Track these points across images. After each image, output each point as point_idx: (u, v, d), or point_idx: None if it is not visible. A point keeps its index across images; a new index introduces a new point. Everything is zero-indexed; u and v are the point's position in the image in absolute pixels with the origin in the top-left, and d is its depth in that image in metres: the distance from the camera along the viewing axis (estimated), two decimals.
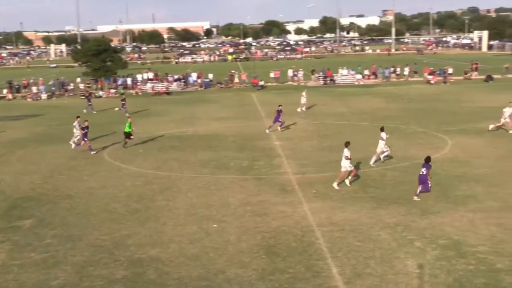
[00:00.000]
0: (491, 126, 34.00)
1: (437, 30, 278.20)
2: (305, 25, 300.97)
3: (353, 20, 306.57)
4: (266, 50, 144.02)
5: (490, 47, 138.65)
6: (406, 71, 71.91)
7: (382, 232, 17.95)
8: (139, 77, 70.66)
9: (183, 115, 45.65)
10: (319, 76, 70.00)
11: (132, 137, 32.65)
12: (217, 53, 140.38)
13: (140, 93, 64.65)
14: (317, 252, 16.53)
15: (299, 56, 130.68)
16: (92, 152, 31.15)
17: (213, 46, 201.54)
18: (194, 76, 71.77)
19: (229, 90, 64.88)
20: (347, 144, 23.35)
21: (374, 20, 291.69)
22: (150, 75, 72.21)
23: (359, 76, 70.20)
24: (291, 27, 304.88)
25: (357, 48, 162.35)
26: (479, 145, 30.62)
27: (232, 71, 73.22)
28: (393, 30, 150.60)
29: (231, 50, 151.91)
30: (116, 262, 16.35)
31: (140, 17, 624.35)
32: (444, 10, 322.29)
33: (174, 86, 67.31)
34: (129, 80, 69.31)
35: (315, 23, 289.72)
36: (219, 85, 67.99)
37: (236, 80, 69.91)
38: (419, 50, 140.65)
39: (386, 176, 24.73)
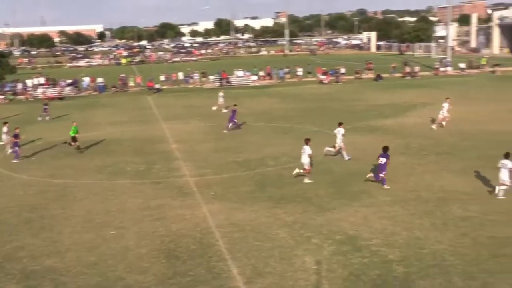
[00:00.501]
0: (433, 126, 35.20)
1: (329, 31, 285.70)
2: (200, 28, 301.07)
3: (248, 22, 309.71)
4: (161, 53, 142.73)
5: (378, 47, 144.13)
6: (300, 71, 73.45)
7: (280, 230, 18.25)
8: (28, 82, 68.04)
9: (77, 120, 44.37)
10: (215, 78, 70.17)
11: (74, 142, 31.77)
12: (111, 56, 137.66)
13: (31, 99, 62.32)
14: (217, 253, 16.59)
15: (194, 58, 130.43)
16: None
17: (107, 49, 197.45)
18: (87, 80, 70.01)
19: (124, 94, 63.83)
20: (307, 142, 24.09)
21: (268, 22, 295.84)
22: (41, 80, 69.83)
23: (254, 77, 71.02)
24: (186, 29, 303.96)
25: (253, 49, 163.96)
26: (371, 142, 31.69)
27: (122, 75, 71.57)
28: (287, 32, 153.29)
29: (125, 53, 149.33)
30: (7, 276, 15.67)
31: (28, 19, 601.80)
32: (335, 12, 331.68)
33: (67, 91, 65.44)
34: (19, 86, 66.61)
35: (209, 25, 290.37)
36: (114, 89, 66.75)
37: (131, 83, 68.88)
38: (312, 51, 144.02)
39: (283, 175, 25.14)
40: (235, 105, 37.84)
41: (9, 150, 31.34)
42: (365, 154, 28.52)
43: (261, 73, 73.67)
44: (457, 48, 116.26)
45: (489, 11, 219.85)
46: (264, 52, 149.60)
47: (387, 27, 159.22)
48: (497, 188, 21.00)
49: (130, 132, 38.01)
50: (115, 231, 18.78)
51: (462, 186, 22.59)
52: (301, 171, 24.24)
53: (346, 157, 27.81)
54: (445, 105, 35.30)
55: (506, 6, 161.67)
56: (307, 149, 23.91)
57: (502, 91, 53.61)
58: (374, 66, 76.81)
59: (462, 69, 74.98)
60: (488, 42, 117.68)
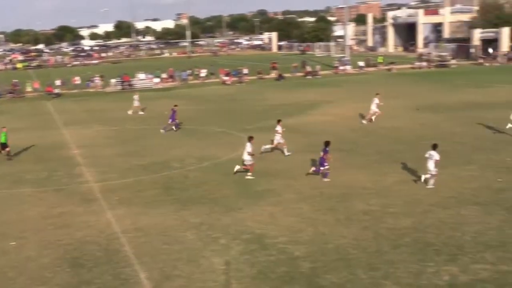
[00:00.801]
0: (363, 121, 36.28)
1: (230, 32, 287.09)
2: (100, 30, 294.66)
3: (149, 24, 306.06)
4: (60, 57, 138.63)
5: (279, 47, 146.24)
6: (203, 73, 73.40)
7: (187, 232, 18.18)
8: None
9: None
10: (117, 81, 68.92)
11: (4, 150, 30.29)
12: (6, 61, 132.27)
13: None
14: (124, 259, 16.32)
15: (95, 61, 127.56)
16: None
17: (1, 53, 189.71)
18: None
19: (21, 100, 61.47)
20: (250, 139, 24.50)
21: (169, 24, 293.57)
22: None
23: (157, 80, 70.32)
24: (85, 32, 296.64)
25: (156, 51, 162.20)
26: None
27: (15, 81, 68.58)
28: (188, 33, 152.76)
29: (21, 57, 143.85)
30: None
31: None
32: (236, 12, 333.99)
33: None
34: None
35: (110, 27, 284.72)
36: (10, 95, 64.17)
37: (29, 88, 66.52)
38: (214, 52, 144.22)
39: (189, 177, 25.06)
40: (175, 105, 37.43)
41: None
42: (271, 153, 28.87)
43: (164, 75, 73.03)
44: (355, 47, 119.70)
45: (394, 12, 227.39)
46: (166, 54, 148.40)
47: (288, 27, 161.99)
48: (423, 176, 22.18)
49: (29, 139, 36.66)
50: (15, 242, 18.09)
51: (364, 181, 23.31)
52: (242, 168, 24.61)
53: (286, 153, 28.30)
54: (375, 101, 36.73)
55: (399, 7, 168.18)
56: (248, 147, 24.32)
57: (397, 88, 55.69)
58: (278, 66, 77.86)
59: (360, 67, 77.40)
60: (383, 41, 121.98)
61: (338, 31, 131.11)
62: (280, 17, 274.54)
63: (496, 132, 31.42)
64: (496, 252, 15.62)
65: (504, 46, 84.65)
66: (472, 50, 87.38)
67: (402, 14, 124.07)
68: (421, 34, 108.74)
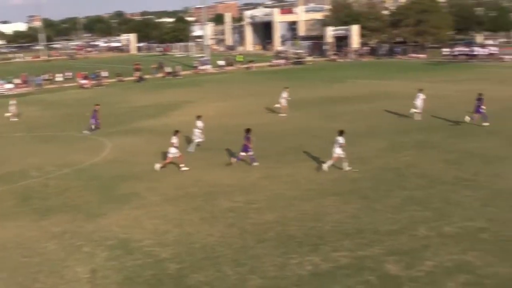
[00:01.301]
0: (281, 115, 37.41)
1: (87, 35, 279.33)
2: None
3: None
4: None
5: (139, 49, 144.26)
6: (60, 77, 70.89)
7: (49, 243, 17.50)
8: None
9: None
10: None
11: None
12: None
13: None
14: None
15: None
16: None
17: None
18: None
19: None
20: (175, 133, 25.39)
21: (21, 26, 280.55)
22: None
23: (10, 86, 66.91)
24: None
25: (9, 55, 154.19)
26: (138, 143, 31.73)
27: None
28: (42, 36, 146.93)
29: None
30: None
31: None
32: (92, 14, 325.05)
33: None
34: None
35: None
36: None
37: None
38: (71, 55, 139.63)
39: (49, 185, 24.12)
40: (97, 104, 35.65)
41: None
42: (133, 156, 28.51)
43: (17, 80, 69.68)
44: (214, 47, 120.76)
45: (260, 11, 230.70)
46: (18, 59, 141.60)
47: (146, 28, 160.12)
48: (328, 162, 23.62)
49: None
50: None
51: (228, 178, 23.59)
52: (166, 163, 25.34)
53: (190, 149, 28.74)
54: (284, 94, 38.21)
55: (255, 6, 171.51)
56: (174, 139, 25.17)
57: (256, 85, 56.87)
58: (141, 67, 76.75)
59: (220, 66, 78.17)
60: (242, 39, 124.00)
61: (197, 31, 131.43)
62: (138, 18, 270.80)
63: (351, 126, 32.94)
64: (354, 239, 16.40)
65: (354, 43, 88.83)
66: (326, 47, 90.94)
67: (259, 13, 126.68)
68: (278, 32, 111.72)
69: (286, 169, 24.49)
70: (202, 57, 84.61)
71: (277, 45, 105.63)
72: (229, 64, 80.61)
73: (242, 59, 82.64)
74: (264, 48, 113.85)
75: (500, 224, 16.94)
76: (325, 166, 23.78)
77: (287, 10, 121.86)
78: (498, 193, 19.82)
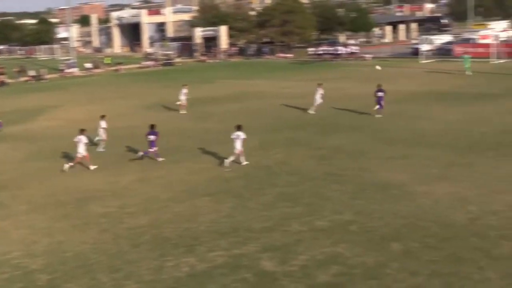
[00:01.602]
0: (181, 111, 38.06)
1: None
2: None
3: None
4: None
5: (0, 51, 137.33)
6: None
7: None
8: None
9: None
10: None
11: None
12: None
13: None
14: None
15: None
16: None
17: None
18: None
19: None
20: (81, 132, 25.20)
21: None
22: None
23: None
24: None
25: None
26: (1, 151, 30.25)
27: None
28: None
29: None
30: None
31: None
32: None
33: None
34: None
35: None
36: None
37: None
38: None
39: None
40: None
41: None
42: None
43: None
44: (81, 49, 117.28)
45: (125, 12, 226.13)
46: None
47: (5, 30, 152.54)
48: (230, 157, 23.89)
49: None
50: None
51: (100, 183, 23.03)
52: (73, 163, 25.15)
53: (100, 149, 28.54)
54: (183, 91, 38.52)
55: (122, 7, 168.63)
56: (82, 139, 24.97)
57: (126, 88, 55.89)
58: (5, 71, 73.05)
59: (88, 69, 76.04)
60: (110, 41, 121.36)
61: (62, 33, 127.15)
62: None
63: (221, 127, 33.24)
64: (229, 238, 16.55)
65: (223, 43, 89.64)
66: (195, 48, 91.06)
67: (126, 14, 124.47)
68: (146, 33, 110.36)
69: (159, 171, 24.29)
70: (68, 59, 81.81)
71: (146, 47, 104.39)
72: (96, 66, 78.55)
73: (110, 61, 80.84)
74: (132, 49, 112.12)
75: (367, 216, 17.74)
76: (227, 162, 24.02)
77: (154, 11, 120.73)
78: (364, 186, 20.75)
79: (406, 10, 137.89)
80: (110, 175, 24.19)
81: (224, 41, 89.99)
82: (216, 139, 29.33)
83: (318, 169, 23.41)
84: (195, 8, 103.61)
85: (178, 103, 39.07)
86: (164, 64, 79.28)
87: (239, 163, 24.19)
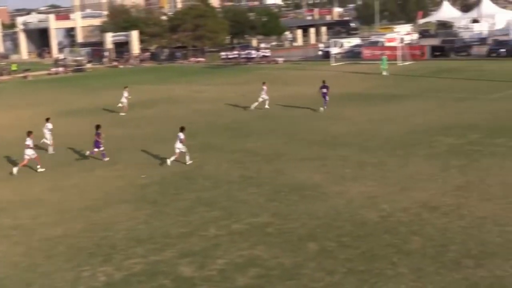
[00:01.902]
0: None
1: None
2: None
3: None
4: None
5: None
6: None
7: None
8: None
9: None
10: None
11: None
12: None
13: None
14: None
15: None
16: None
17: None
18: None
19: None
20: (29, 134, 24.86)
21: None
22: None
23: None
24: None
25: None
26: None
27: None
28: None
29: None
30: None
31: None
32: None
33: None
34: None
35: None
36: None
37: None
38: None
39: None
40: None
41: None
42: None
43: None
44: None
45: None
46: None
47: None
48: (172, 157, 24.69)
49: None
50: None
51: (8, 194, 22.30)
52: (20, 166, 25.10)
53: (50, 151, 28.70)
54: (125, 94, 39.67)
55: (28, 12, 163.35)
56: (28, 141, 24.87)
57: (35, 95, 54.27)
58: None
59: None
60: (16, 47, 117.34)
61: None
62: None
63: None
64: (146, 245, 16.39)
65: (135, 49, 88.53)
66: (106, 53, 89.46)
67: (33, 19, 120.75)
68: (55, 39, 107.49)
69: (72, 180, 23.76)
70: None
71: (55, 53, 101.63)
72: (2, 73, 75.83)
73: (16, 68, 78.16)
74: (41, 56, 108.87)
75: (283, 217, 17.99)
76: (168, 162, 24.79)
77: (63, 16, 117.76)
78: (280, 188, 21.03)
79: (315, 14, 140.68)
80: (21, 185, 23.43)
81: (135, 46, 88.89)
82: (132, 146, 28.96)
83: (234, 172, 23.53)
84: (105, 13, 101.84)
85: (119, 105, 39.56)
86: (75, 70, 77.47)
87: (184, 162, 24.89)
